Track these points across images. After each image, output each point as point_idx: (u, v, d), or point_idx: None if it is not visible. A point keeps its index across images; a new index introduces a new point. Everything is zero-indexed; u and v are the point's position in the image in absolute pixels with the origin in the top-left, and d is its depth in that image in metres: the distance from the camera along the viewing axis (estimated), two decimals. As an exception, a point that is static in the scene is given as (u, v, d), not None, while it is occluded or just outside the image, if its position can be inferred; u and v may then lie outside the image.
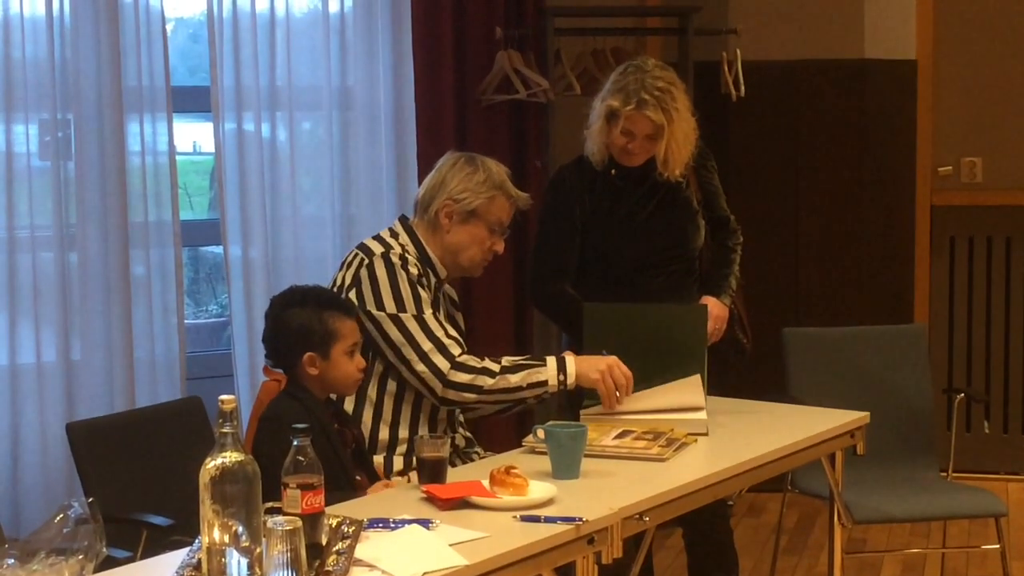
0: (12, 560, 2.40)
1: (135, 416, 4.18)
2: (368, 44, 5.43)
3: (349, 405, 3.59)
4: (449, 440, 3.30)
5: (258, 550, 2.40)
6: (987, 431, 6.45)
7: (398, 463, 3.60)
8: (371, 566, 2.56)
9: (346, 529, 2.68)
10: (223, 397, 2.43)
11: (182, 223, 5.04)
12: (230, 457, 2.40)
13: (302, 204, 5.34)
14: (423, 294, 3.60)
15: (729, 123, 6.09)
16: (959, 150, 6.40)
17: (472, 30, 5.59)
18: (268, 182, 5.20)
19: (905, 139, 6.34)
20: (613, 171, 4.18)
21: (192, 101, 5.31)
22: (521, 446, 3.49)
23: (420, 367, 3.55)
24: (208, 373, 5.25)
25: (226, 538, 2.39)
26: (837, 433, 3.78)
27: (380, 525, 2.77)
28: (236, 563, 2.38)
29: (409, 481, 3.48)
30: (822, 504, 4.20)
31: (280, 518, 2.39)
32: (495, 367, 3.57)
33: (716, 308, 4.21)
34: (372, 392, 3.62)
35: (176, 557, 2.65)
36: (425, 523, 2.79)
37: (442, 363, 3.54)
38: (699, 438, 3.56)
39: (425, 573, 2.53)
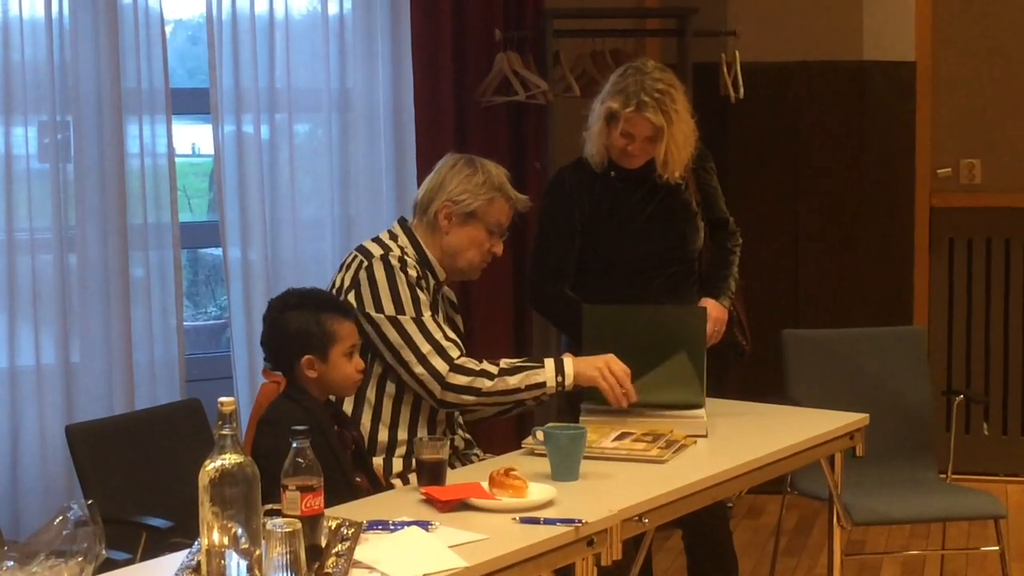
0: (11, 562, 2.40)
1: (134, 418, 4.17)
2: (367, 46, 5.43)
3: (348, 407, 3.59)
4: (448, 442, 3.30)
5: (257, 552, 2.40)
6: (986, 433, 6.46)
7: (397, 465, 3.60)
8: (370, 568, 2.56)
9: (345, 531, 2.68)
10: (222, 399, 2.44)
11: (181, 225, 5.03)
12: (229, 459, 2.40)
13: (301, 206, 5.33)
14: (422, 296, 3.60)
15: (728, 125, 6.09)
16: (958, 152, 6.40)
17: (471, 32, 5.59)
18: (267, 184, 5.20)
19: (904, 141, 6.34)
20: (612, 173, 4.19)
21: (191, 103, 5.30)
22: (520, 448, 3.50)
23: (419, 369, 3.55)
24: (207, 375, 5.24)
25: (225, 540, 2.39)
26: (836, 435, 3.78)
27: (379, 527, 2.77)
28: (235, 565, 2.38)
29: (408, 483, 3.48)
30: (821, 506, 4.20)
31: (279, 520, 2.39)
32: (493, 369, 3.57)
33: (715, 310, 4.21)
34: (371, 394, 3.62)
35: (175, 559, 2.65)
36: (424, 525, 2.79)
37: (440, 366, 3.54)
38: (698, 440, 3.56)
39: (424, 575, 2.53)
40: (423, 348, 3.55)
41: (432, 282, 3.70)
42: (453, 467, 3.50)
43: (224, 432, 2.41)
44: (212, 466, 2.39)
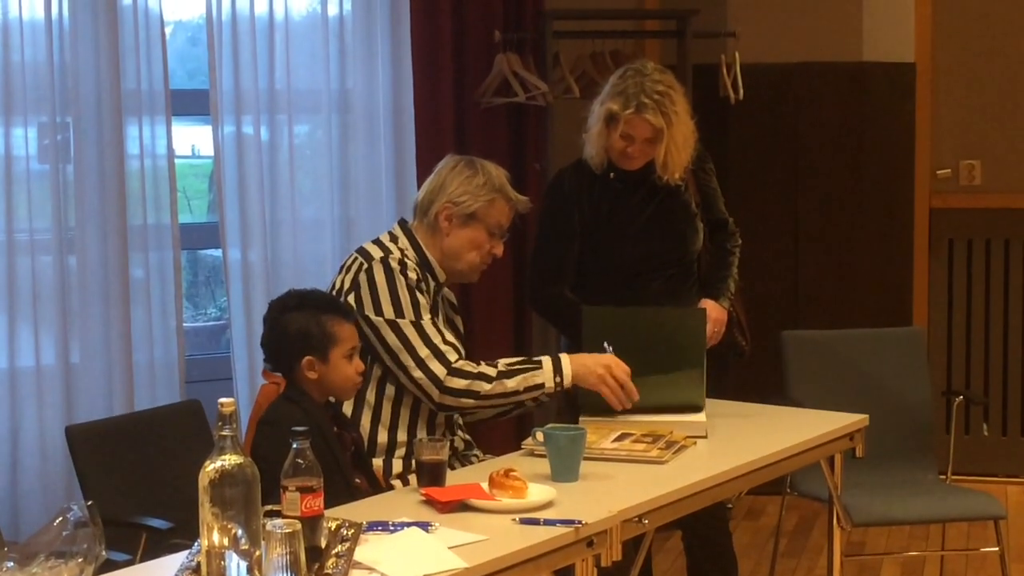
0: (11, 563, 2.40)
1: (134, 419, 4.18)
2: (367, 47, 5.43)
3: (348, 409, 3.59)
4: (448, 443, 3.30)
5: (257, 553, 2.40)
6: (986, 434, 6.46)
7: (397, 466, 3.60)
8: (370, 569, 2.56)
9: (345, 532, 2.68)
10: (222, 400, 2.44)
11: (181, 226, 5.04)
12: (229, 460, 2.40)
13: (301, 207, 5.34)
14: (421, 300, 3.59)
15: (728, 126, 6.09)
16: (958, 153, 6.40)
17: (471, 33, 5.59)
18: (267, 185, 5.20)
19: (904, 142, 6.34)
20: (612, 174, 4.18)
21: (191, 104, 5.31)
22: (520, 449, 3.49)
23: (417, 373, 3.55)
24: (207, 376, 5.25)
25: (225, 541, 2.39)
26: (836, 436, 3.78)
27: (379, 528, 2.78)
28: (235, 566, 2.38)
29: (408, 484, 3.48)
30: (821, 507, 4.20)
31: (279, 521, 2.39)
32: (491, 372, 3.57)
33: (715, 311, 4.21)
34: (371, 396, 3.62)
35: (175, 560, 2.65)
36: (424, 526, 2.79)
37: (439, 369, 3.54)
38: (698, 441, 3.56)
39: (424, 576, 2.53)
40: (421, 352, 3.55)
41: (432, 284, 3.70)
42: (453, 468, 3.50)
43: (224, 433, 2.41)
44: (212, 467, 2.39)
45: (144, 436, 3.90)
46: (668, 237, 4.23)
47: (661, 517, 3.13)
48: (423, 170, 5.30)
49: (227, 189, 5.13)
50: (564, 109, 5.46)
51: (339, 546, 2.61)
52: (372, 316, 3.56)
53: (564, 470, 3.18)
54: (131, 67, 4.86)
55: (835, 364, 4.77)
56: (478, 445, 3.85)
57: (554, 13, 5.67)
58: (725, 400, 3.99)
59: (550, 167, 5.31)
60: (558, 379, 3.59)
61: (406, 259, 3.64)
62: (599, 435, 3.45)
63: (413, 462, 3.32)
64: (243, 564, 2.38)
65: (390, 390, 3.63)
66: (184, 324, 5.09)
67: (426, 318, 3.58)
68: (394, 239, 3.73)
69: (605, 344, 3.67)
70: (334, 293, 3.63)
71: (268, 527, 2.35)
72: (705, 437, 3.60)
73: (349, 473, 3.27)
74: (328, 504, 2.65)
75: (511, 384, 3.57)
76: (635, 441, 3.45)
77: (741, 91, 5.78)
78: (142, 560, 3.32)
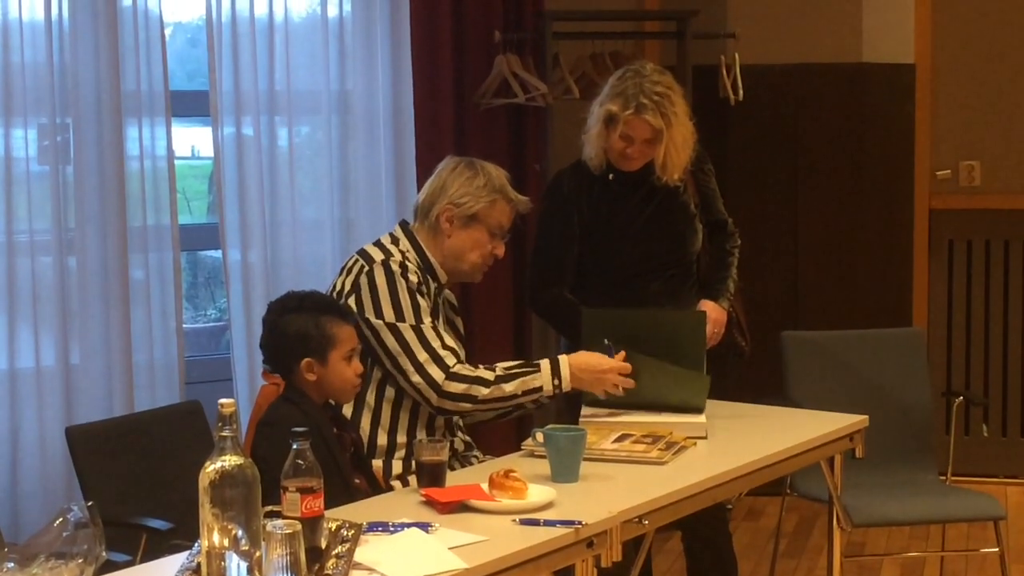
0: (12, 564, 2.40)
1: (134, 420, 4.18)
2: (367, 48, 5.43)
3: (347, 410, 3.59)
4: (448, 444, 3.30)
5: (257, 554, 2.40)
6: (986, 434, 6.46)
7: (397, 467, 3.60)
8: (370, 569, 2.56)
9: (345, 533, 2.68)
10: (223, 401, 2.44)
11: (181, 227, 5.03)
12: (229, 461, 2.40)
13: (301, 208, 5.34)
14: (422, 303, 3.60)
15: (728, 127, 6.09)
16: (957, 154, 6.40)
17: (471, 34, 5.59)
18: (267, 186, 5.20)
19: (903, 143, 6.34)
20: (611, 175, 4.18)
21: (191, 105, 5.31)
22: (520, 449, 3.50)
23: (415, 378, 3.55)
24: (207, 377, 5.24)
25: (225, 542, 2.39)
26: (836, 436, 3.78)
27: (379, 529, 2.78)
28: (236, 567, 2.38)
29: (408, 485, 3.48)
30: (821, 507, 4.20)
31: (279, 522, 2.39)
32: (490, 376, 3.57)
33: (714, 312, 4.21)
34: (370, 398, 3.62)
35: (175, 561, 2.65)
36: (424, 526, 2.79)
37: (437, 374, 3.54)
38: (698, 441, 3.56)
39: (424, 576, 2.53)
40: (420, 357, 3.55)
41: (433, 286, 3.70)
42: (452, 469, 3.51)
43: (224, 434, 2.41)
44: (212, 468, 2.39)
45: (144, 437, 3.90)
46: (667, 238, 4.23)
47: (661, 518, 3.13)
48: (423, 171, 5.30)
49: (227, 190, 5.13)
50: (564, 110, 5.47)
51: (339, 547, 2.61)
52: (372, 319, 3.56)
53: (564, 471, 3.18)
54: (131, 68, 4.85)
55: (835, 365, 4.77)
56: (478, 446, 3.86)
57: (554, 14, 5.68)
58: (725, 401, 3.99)
59: (550, 168, 5.30)
60: (556, 382, 3.59)
61: (407, 262, 3.64)
62: (599, 436, 3.46)
63: (413, 463, 3.32)
64: (243, 565, 2.38)
65: (390, 392, 3.63)
66: (184, 325, 5.09)
67: (426, 322, 3.58)
68: (395, 241, 3.73)
69: (606, 341, 3.68)
70: (334, 294, 3.63)
71: (268, 528, 2.35)
72: (705, 438, 3.60)
73: (348, 474, 3.27)
74: (327, 505, 2.65)
75: (509, 388, 3.57)
76: (635, 442, 3.45)
77: (741, 92, 5.78)
78: (142, 561, 3.32)
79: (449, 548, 2.66)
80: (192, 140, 5.87)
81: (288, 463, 2.57)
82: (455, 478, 3.22)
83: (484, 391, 3.55)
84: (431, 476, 3.10)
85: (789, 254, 6.27)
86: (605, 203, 4.19)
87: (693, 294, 4.30)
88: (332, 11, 5.35)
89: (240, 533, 2.39)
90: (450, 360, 3.56)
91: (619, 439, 3.46)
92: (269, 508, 2.56)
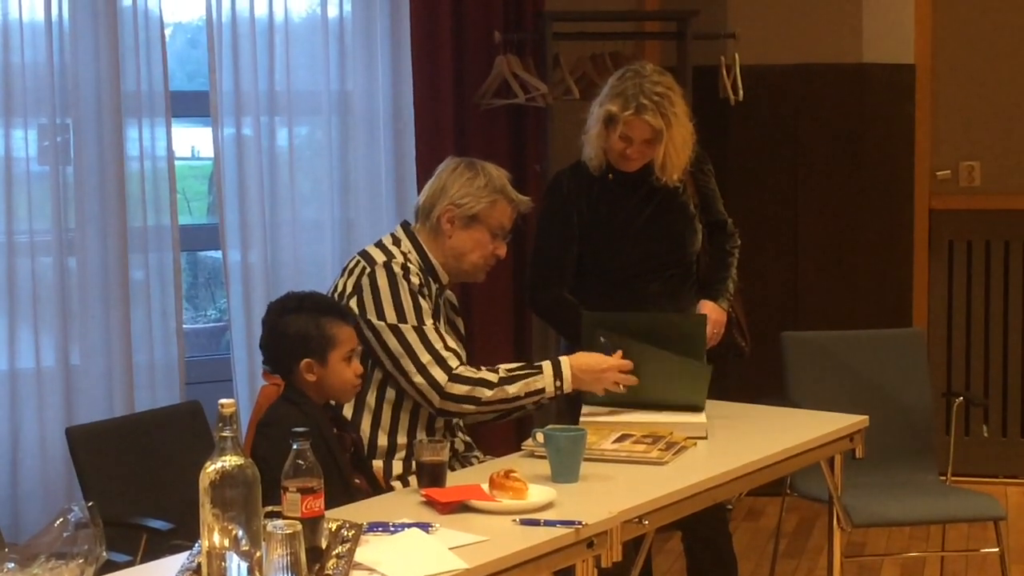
0: (12, 564, 2.40)
1: (134, 420, 4.18)
2: (367, 49, 5.43)
3: (348, 411, 3.59)
4: (448, 444, 3.30)
5: (258, 554, 2.40)
6: (986, 435, 6.46)
7: (397, 467, 3.60)
8: (371, 570, 2.56)
9: (346, 533, 2.68)
10: (223, 401, 2.44)
11: (181, 228, 5.04)
12: (230, 461, 2.40)
13: (301, 208, 5.34)
14: (424, 304, 3.60)
15: (728, 127, 6.09)
16: (957, 154, 6.40)
17: (471, 34, 5.59)
18: (267, 187, 5.20)
19: (903, 143, 6.34)
20: (610, 176, 4.18)
21: (191, 106, 5.31)
22: (520, 450, 3.50)
23: (418, 379, 3.55)
24: (207, 378, 5.25)
25: (226, 542, 2.39)
26: (836, 437, 3.78)
27: (380, 529, 2.78)
28: (236, 567, 2.38)
29: (408, 485, 3.48)
30: (821, 508, 4.20)
31: (280, 522, 2.39)
32: (493, 378, 3.57)
33: (714, 312, 4.21)
34: (371, 399, 3.62)
35: (176, 561, 2.65)
36: (425, 527, 2.79)
37: (440, 376, 3.55)
38: (698, 442, 3.56)
39: (425, 577, 2.53)
40: (423, 358, 3.55)
41: (435, 287, 3.70)
42: (453, 469, 3.51)
43: (224, 434, 2.41)
44: (212, 468, 2.39)
45: (144, 437, 3.90)
46: (667, 238, 4.23)
47: (661, 518, 3.13)
48: (423, 172, 5.30)
49: (227, 191, 5.13)
50: (564, 110, 5.47)
51: (340, 547, 2.61)
52: (374, 320, 3.56)
53: (564, 471, 3.18)
54: (131, 69, 4.86)
55: (835, 365, 4.77)
56: (478, 446, 3.86)
57: (554, 15, 5.68)
58: (725, 401, 3.99)
59: (550, 168, 5.30)
60: (558, 383, 3.60)
61: (409, 263, 3.64)
62: (599, 436, 3.46)
63: (413, 463, 3.32)
64: (244, 565, 2.38)
65: (390, 394, 3.63)
66: (184, 325, 5.09)
67: (428, 323, 3.58)
68: (397, 242, 3.73)
69: (601, 339, 3.69)
70: (335, 295, 3.63)
71: (269, 528, 2.35)
72: (705, 438, 3.60)
73: (348, 474, 3.27)
74: (327, 505, 2.65)
75: (512, 390, 3.58)
76: (635, 442, 3.45)
77: (741, 92, 5.78)
78: (143, 561, 3.32)
79: (449, 548, 2.66)
80: (192, 140, 5.88)
81: (288, 463, 2.57)
82: (455, 478, 3.22)
83: (488, 393, 3.56)
84: (431, 476, 3.10)
85: (789, 254, 6.27)
86: (605, 203, 4.19)
87: (693, 294, 4.30)
88: (332, 11, 5.35)
89: (240, 533, 2.39)
90: (453, 362, 3.57)
91: (619, 439, 3.47)
92: (269, 508, 2.56)
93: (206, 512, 2.40)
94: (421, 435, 3.61)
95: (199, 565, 2.48)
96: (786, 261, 6.26)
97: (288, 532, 2.32)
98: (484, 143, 5.50)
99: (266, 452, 2.99)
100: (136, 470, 3.81)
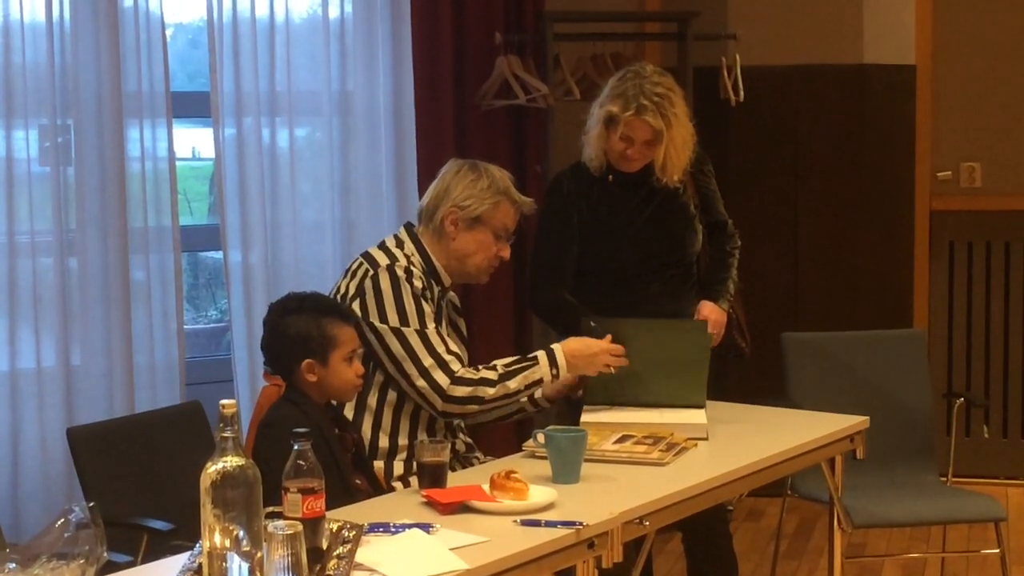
0: (13, 564, 2.41)
1: (135, 421, 4.18)
2: (368, 49, 5.43)
3: (349, 413, 3.59)
4: (449, 445, 3.30)
5: (259, 554, 2.40)
6: (987, 435, 6.46)
7: (398, 468, 3.60)
8: (372, 570, 2.56)
9: (347, 533, 2.68)
10: (224, 401, 2.44)
11: (182, 228, 5.04)
12: (231, 461, 2.40)
13: (302, 209, 5.34)
14: (426, 308, 3.60)
15: (728, 128, 6.09)
16: (958, 155, 6.40)
17: (472, 35, 5.60)
18: (268, 187, 5.20)
19: (904, 144, 6.34)
20: (611, 177, 4.19)
21: (192, 106, 5.31)
22: (521, 451, 3.50)
23: (420, 383, 3.55)
24: (208, 378, 5.25)
25: (227, 542, 2.39)
26: (837, 438, 3.78)
27: (381, 529, 2.78)
28: (237, 567, 2.38)
29: (409, 486, 3.48)
30: (822, 508, 4.20)
31: (281, 522, 2.39)
32: (493, 376, 3.58)
33: (714, 313, 4.21)
34: (372, 401, 3.62)
35: (177, 561, 2.65)
36: (425, 527, 2.79)
37: (442, 379, 3.55)
38: (699, 442, 3.56)
39: (426, 577, 2.53)
40: (425, 361, 3.55)
41: (437, 289, 3.70)
42: (454, 470, 3.51)
43: (225, 435, 2.41)
44: (213, 468, 2.39)
45: (145, 438, 3.90)
46: (667, 239, 4.23)
47: (662, 519, 3.13)
48: (424, 172, 5.31)
49: (228, 191, 5.14)
50: (565, 111, 5.47)
51: (341, 547, 2.61)
52: (377, 323, 3.56)
53: (565, 472, 3.18)
54: (132, 69, 4.86)
55: (835, 366, 4.78)
56: (479, 447, 3.86)
57: (554, 15, 5.68)
58: (725, 402, 3.99)
59: (551, 169, 5.31)
60: (554, 372, 3.64)
61: (412, 266, 3.64)
62: (600, 437, 3.46)
63: (414, 464, 3.32)
64: (245, 565, 2.38)
65: (392, 396, 3.63)
66: (185, 326, 5.09)
67: (431, 327, 3.58)
68: (400, 244, 3.73)
69: (592, 324, 3.70)
70: (337, 297, 3.63)
71: (270, 528, 2.35)
72: (706, 439, 3.60)
73: (349, 474, 3.27)
74: (328, 505, 2.65)
75: (513, 385, 3.59)
76: (636, 443, 3.45)
77: (742, 93, 5.78)
78: (144, 561, 3.32)
79: (450, 549, 2.66)
80: (193, 141, 5.88)
81: (289, 464, 2.57)
82: (456, 479, 3.22)
83: (490, 391, 3.56)
84: (432, 477, 3.10)
85: (789, 255, 6.27)
86: (605, 204, 4.19)
87: (693, 295, 4.29)
88: (333, 12, 5.35)
89: (241, 534, 2.39)
90: (455, 365, 3.57)
91: (620, 440, 3.47)
92: (270, 509, 2.56)
93: (207, 513, 2.40)
94: (422, 436, 3.62)
95: (200, 566, 2.48)
96: (786, 262, 6.26)
97: (289, 533, 2.33)
98: (485, 144, 5.51)
99: (267, 453, 2.99)
100: (137, 471, 3.81)
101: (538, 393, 3.75)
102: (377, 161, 5.46)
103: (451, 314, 3.83)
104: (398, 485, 3.55)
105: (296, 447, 2.57)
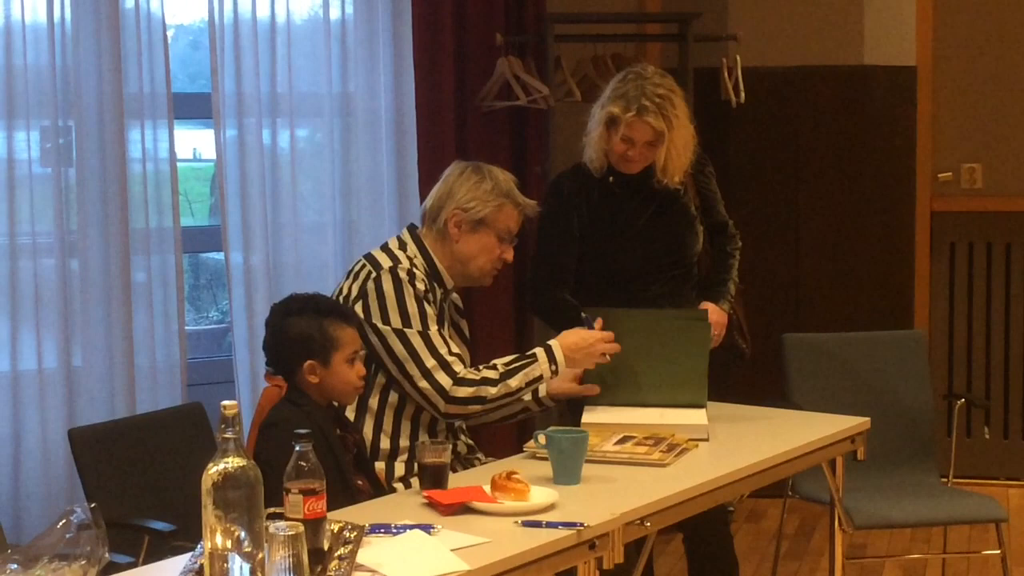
0: (15, 565, 2.41)
1: (136, 422, 4.17)
2: (369, 50, 5.43)
3: (350, 415, 3.59)
4: (451, 446, 3.30)
5: (260, 555, 2.40)
6: (987, 436, 6.46)
7: (399, 469, 3.61)
8: (373, 571, 2.56)
9: (348, 534, 2.68)
10: (225, 402, 2.44)
11: (183, 229, 5.04)
12: (232, 462, 2.40)
13: (303, 210, 5.34)
14: (429, 310, 3.60)
15: (729, 129, 6.10)
16: (959, 156, 6.40)
17: (472, 36, 5.59)
18: (269, 188, 5.20)
19: (905, 145, 6.34)
20: (611, 178, 4.19)
21: (193, 108, 5.31)
22: (522, 452, 3.50)
23: (423, 384, 3.56)
24: (209, 379, 5.25)
25: (228, 543, 2.39)
26: (838, 439, 3.78)
27: (382, 530, 2.78)
28: (238, 568, 2.38)
29: (410, 487, 3.48)
30: (823, 509, 4.21)
31: (282, 523, 2.39)
32: (494, 375, 3.58)
33: (715, 314, 4.21)
34: (373, 402, 3.63)
35: (178, 562, 2.65)
36: (427, 528, 2.79)
37: (445, 380, 3.55)
38: (700, 443, 3.57)
39: (427, 578, 2.54)
40: (428, 363, 3.56)
41: (440, 291, 3.71)
42: (455, 471, 3.50)
43: (227, 435, 2.42)
44: (215, 469, 2.40)
45: (146, 439, 3.90)
46: (667, 240, 4.23)
47: (663, 520, 3.14)
48: (424, 173, 5.30)
49: (229, 192, 5.13)
50: (565, 112, 5.47)
51: (342, 548, 2.62)
52: (379, 325, 3.57)
53: (566, 473, 3.19)
54: (133, 71, 4.86)
55: (836, 367, 4.78)
56: (480, 448, 3.86)
57: (555, 17, 5.68)
58: (726, 403, 3.99)
59: (551, 170, 5.31)
60: (553, 368, 3.65)
61: (415, 268, 3.65)
62: (601, 438, 3.46)
63: (415, 465, 3.32)
64: (246, 566, 2.39)
65: (393, 398, 3.63)
66: (186, 327, 5.09)
67: (433, 329, 3.59)
68: (403, 246, 3.73)
69: (583, 314, 3.71)
70: (340, 298, 3.63)
71: (271, 529, 2.35)
72: (706, 440, 3.60)
73: (350, 475, 3.28)
74: (329, 506, 2.65)
75: (514, 383, 3.60)
76: (637, 444, 3.45)
77: (742, 94, 5.78)
78: (145, 562, 3.32)
79: (451, 550, 2.66)
80: (194, 142, 5.87)
81: (291, 465, 2.57)
82: (457, 480, 3.22)
83: (492, 391, 3.57)
84: (433, 478, 3.10)
85: (790, 256, 6.27)
86: (605, 206, 4.19)
87: (694, 296, 4.30)
88: (334, 13, 5.35)
89: (243, 535, 2.39)
90: (458, 367, 3.58)
91: (621, 441, 3.47)
92: (272, 510, 2.56)
93: (208, 513, 2.40)
94: (423, 437, 3.62)
95: (201, 567, 2.48)
96: (787, 263, 6.27)
97: (290, 533, 2.33)
98: (485, 145, 5.50)
99: (269, 453, 2.99)
100: (138, 471, 3.82)
101: (543, 392, 3.75)
102: (378, 162, 5.46)
103: (453, 316, 3.83)
104: (399, 486, 3.55)
105: (297, 448, 2.58)
